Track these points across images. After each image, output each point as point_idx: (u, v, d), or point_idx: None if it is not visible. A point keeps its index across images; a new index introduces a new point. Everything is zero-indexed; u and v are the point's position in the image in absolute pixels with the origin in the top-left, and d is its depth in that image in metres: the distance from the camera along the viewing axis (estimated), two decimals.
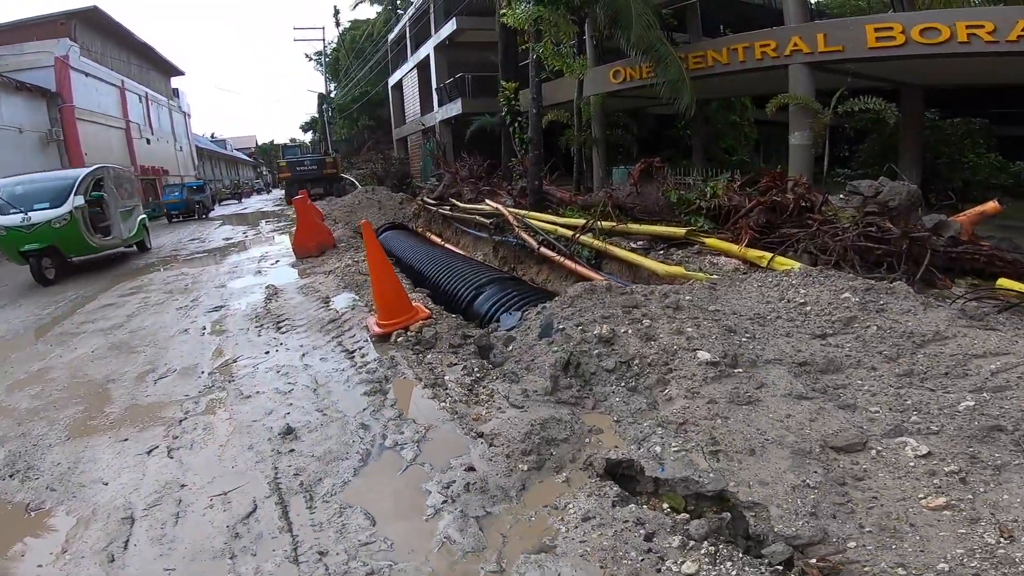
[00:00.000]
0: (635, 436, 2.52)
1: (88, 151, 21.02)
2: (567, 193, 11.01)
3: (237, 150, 63.25)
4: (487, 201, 10.89)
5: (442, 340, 3.80)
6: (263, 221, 17.39)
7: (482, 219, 10.58)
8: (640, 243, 7.36)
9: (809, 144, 10.37)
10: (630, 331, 3.55)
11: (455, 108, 18.89)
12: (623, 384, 3.05)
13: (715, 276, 5.73)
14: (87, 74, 22.09)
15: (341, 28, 40.75)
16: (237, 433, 2.84)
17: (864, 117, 13.72)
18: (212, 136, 59.77)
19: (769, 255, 5.77)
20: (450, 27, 19.06)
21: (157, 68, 32.12)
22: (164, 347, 4.48)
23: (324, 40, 36.54)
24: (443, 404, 2.94)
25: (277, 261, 8.11)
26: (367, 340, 3.97)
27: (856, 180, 7.46)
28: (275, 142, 72.68)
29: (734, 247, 6.28)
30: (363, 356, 3.67)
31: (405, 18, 24.80)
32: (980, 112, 14.25)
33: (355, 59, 37.29)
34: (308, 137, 41.96)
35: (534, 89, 9.02)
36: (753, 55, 10.50)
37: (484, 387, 3.21)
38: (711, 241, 6.64)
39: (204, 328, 4.90)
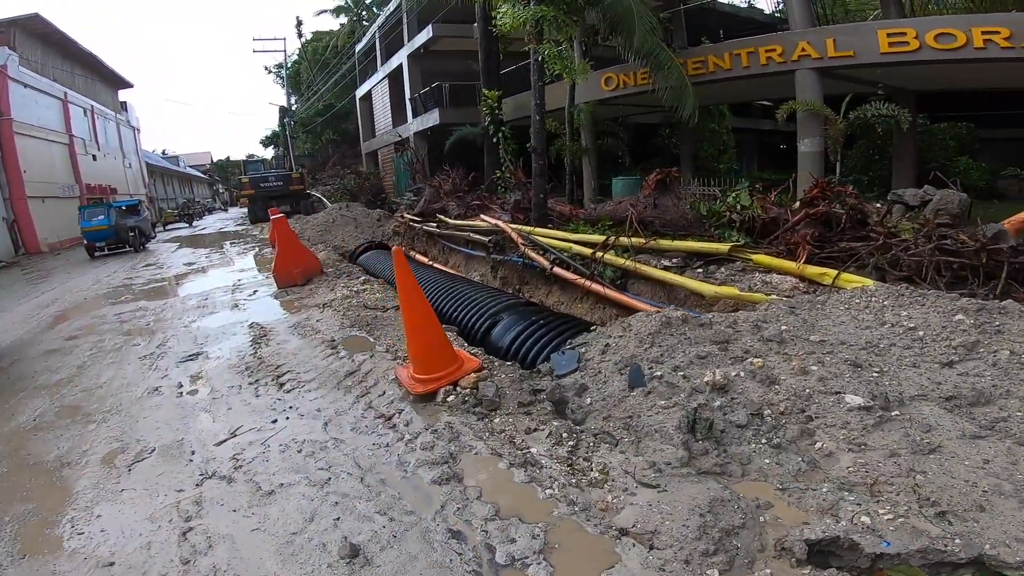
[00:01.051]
0: (818, 506, 2.10)
1: (27, 168, 19.18)
2: (566, 207, 10.30)
3: (191, 167, 60.44)
4: (482, 217, 10.06)
5: (507, 397, 2.99)
6: (227, 243, 16.04)
7: (477, 237, 9.75)
8: (674, 261, 6.67)
9: (819, 151, 10.01)
10: (742, 374, 2.99)
11: (432, 119, 18.04)
12: (763, 441, 2.56)
13: (774, 296, 5.13)
14: (26, 85, 20.26)
15: (303, 40, 39.44)
16: (279, 561, 1.91)
17: (855, 123, 13.64)
18: (164, 153, 57.09)
19: (833, 272, 5.21)
20: (425, 35, 18.26)
21: (104, 80, 30.11)
22: (132, 413, 3.46)
23: (285, 51, 35.17)
24: (549, 490, 2.19)
25: (255, 291, 7.04)
26: (404, 399, 3.08)
27: (900, 189, 6.99)
28: (231, 158, 70.17)
29: (789, 264, 5.67)
30: (407, 424, 2.79)
31: (375, 27, 23.86)
32: (961, 116, 14.36)
33: (318, 71, 36.04)
34: (269, 152, 40.25)
35: (537, 94, 8.30)
36: (758, 60, 10.13)
37: (589, 460, 2.47)
38: (760, 258, 6.00)
39: (180, 385, 3.88)
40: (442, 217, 11.42)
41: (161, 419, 3.31)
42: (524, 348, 5.21)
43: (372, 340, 4.12)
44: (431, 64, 20.02)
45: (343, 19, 36.21)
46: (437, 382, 3.16)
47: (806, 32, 9.78)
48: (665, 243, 6.77)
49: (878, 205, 6.94)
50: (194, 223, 28.86)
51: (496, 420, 2.83)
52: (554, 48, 8.46)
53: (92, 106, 26.66)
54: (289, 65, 39.15)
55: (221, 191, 67.90)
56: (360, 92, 27.42)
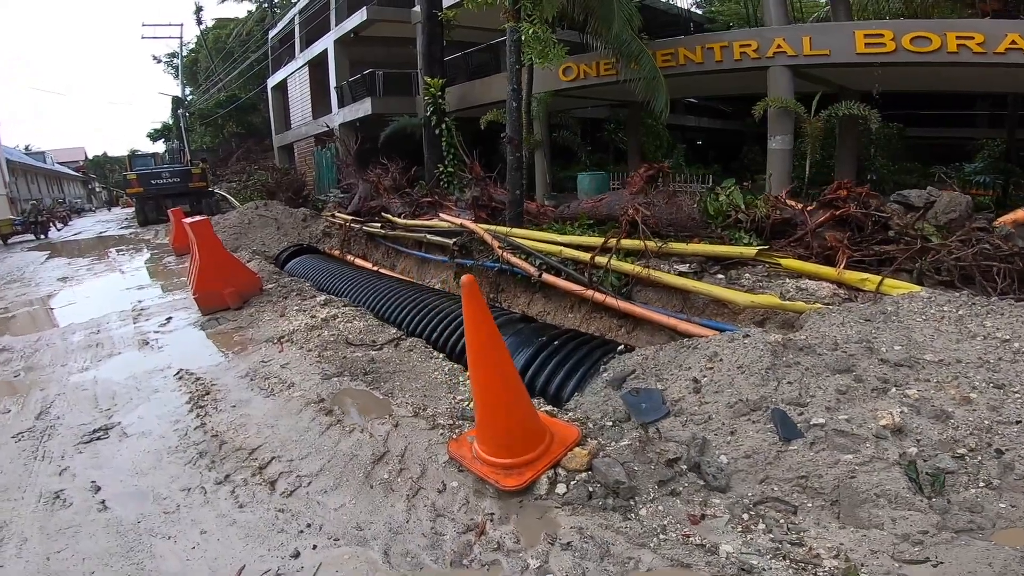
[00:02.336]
0: None
1: None
2: (533, 204, 9.23)
3: (61, 164, 52.91)
4: (442, 216, 8.75)
5: (637, 475, 2.05)
6: (112, 250, 13.42)
7: (436, 239, 8.44)
8: (690, 266, 5.81)
9: (789, 148, 9.69)
10: (905, 410, 2.49)
11: (363, 108, 16.30)
12: (981, 484, 2.06)
13: (818, 305, 4.47)
14: None
15: (203, 27, 35.47)
16: None
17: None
18: (28, 148, 49.58)
19: (875, 277, 4.61)
20: (358, 18, 16.47)
21: None
22: (26, 557, 1.90)
23: (181, 38, 31.29)
24: None
25: (169, 319, 5.28)
26: (481, 494, 1.90)
27: (905, 190, 6.59)
28: (108, 154, 62.59)
29: (827, 269, 5.02)
30: (517, 539, 1.67)
31: (294, 11, 21.48)
32: (891, 116, 15.01)
33: (221, 61, 32.49)
34: (159, 147, 35.70)
35: (513, 77, 7.17)
36: (731, 55, 9.71)
37: (801, 543, 1.76)
38: (790, 262, 5.28)
39: (98, 488, 2.31)
40: (389, 217, 9.94)
41: (84, 561, 1.81)
42: (543, 379, 4.10)
43: (382, 397, 2.80)
44: (361, 51, 18.21)
45: (251, 6, 33.00)
46: (532, 468, 2.01)
47: (783, 29, 9.57)
48: (679, 246, 5.88)
49: (894, 206, 6.57)
50: (52, 232, 20.87)
51: (643, 512, 1.93)
52: (531, 28, 7.37)
53: None
54: (185, 54, 35.07)
55: (98, 190, 60.30)
56: (273, 81, 24.77)
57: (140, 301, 6.40)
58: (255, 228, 12.60)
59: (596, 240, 6.61)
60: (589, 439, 2.28)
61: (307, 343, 3.71)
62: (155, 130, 37.12)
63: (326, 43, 18.69)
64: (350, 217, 10.45)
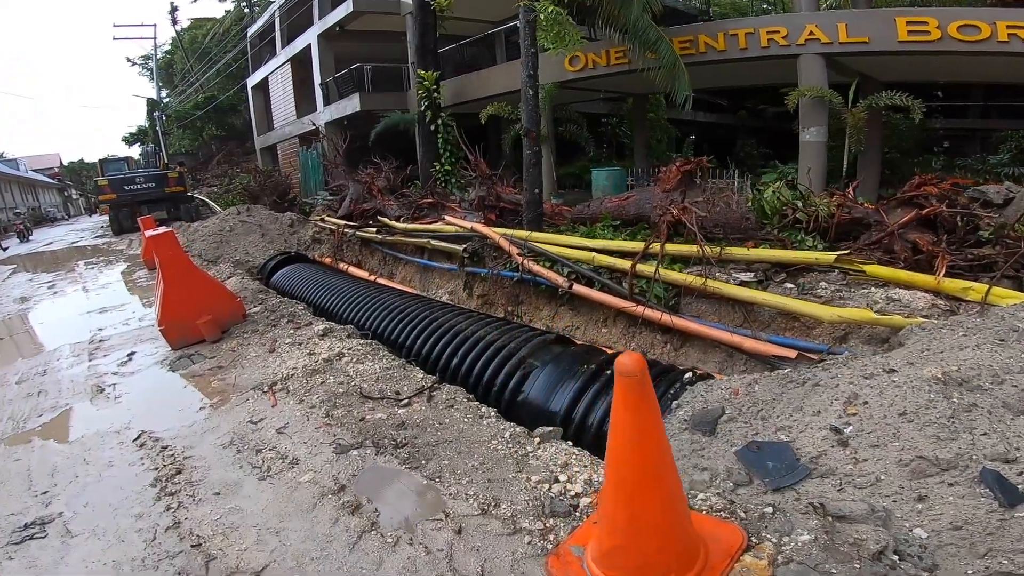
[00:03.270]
0: None
1: None
2: (546, 204, 8.39)
3: (35, 171, 50.86)
4: (449, 219, 7.88)
5: None
6: (81, 262, 12.34)
7: (442, 244, 7.58)
8: (751, 274, 5.02)
9: (824, 141, 9.00)
10: None
11: (351, 105, 15.34)
12: None
13: (920, 320, 3.81)
14: None
15: (179, 27, 34.12)
16: None
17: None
18: (2, 155, 47.62)
19: (980, 287, 3.96)
20: (344, 9, 15.50)
21: None
22: None
23: (155, 38, 29.94)
24: None
25: (131, 354, 4.33)
26: None
27: (982, 186, 5.87)
28: (85, 160, 60.58)
29: (923, 277, 4.32)
30: None
31: (274, 6, 20.39)
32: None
33: (197, 61, 31.21)
34: (135, 151, 34.27)
35: (529, 63, 6.33)
36: (757, 42, 9.02)
37: None
38: (876, 269, 4.54)
39: None
40: (386, 220, 9.04)
41: None
42: (595, 419, 3.28)
43: (427, 482, 1.94)
44: (346, 46, 17.23)
45: (229, 5, 31.72)
46: None
47: (815, 15, 9.00)
48: (738, 252, 5.09)
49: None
50: (11, 243, 19.36)
51: None
52: (549, 6, 6.52)
53: None
54: (160, 55, 33.69)
55: (75, 197, 58.25)
56: (253, 80, 23.64)
57: (100, 329, 5.43)
58: (237, 235, 11.59)
59: (635, 245, 5.80)
60: (767, 541, 1.47)
61: (308, 393, 2.83)
62: (130, 134, 35.69)
63: (309, 38, 17.69)
64: (343, 222, 9.54)
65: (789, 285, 4.93)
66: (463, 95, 13.88)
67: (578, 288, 5.61)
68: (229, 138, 32.99)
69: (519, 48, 10.95)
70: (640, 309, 4.91)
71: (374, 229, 9.25)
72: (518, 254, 6.20)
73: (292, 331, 4.04)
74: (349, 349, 3.43)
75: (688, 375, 3.59)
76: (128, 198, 17.64)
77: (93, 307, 6.70)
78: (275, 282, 8.62)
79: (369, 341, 3.74)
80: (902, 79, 11.89)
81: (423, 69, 12.71)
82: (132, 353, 4.42)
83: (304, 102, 19.28)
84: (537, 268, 5.96)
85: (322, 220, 11.50)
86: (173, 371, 3.83)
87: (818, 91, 8.50)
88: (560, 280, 5.70)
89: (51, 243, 19.67)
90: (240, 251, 10.87)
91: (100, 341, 5.05)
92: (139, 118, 45.06)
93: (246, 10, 30.29)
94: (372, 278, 8.93)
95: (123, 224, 17.63)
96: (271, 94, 22.14)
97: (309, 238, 11.81)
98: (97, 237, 19.23)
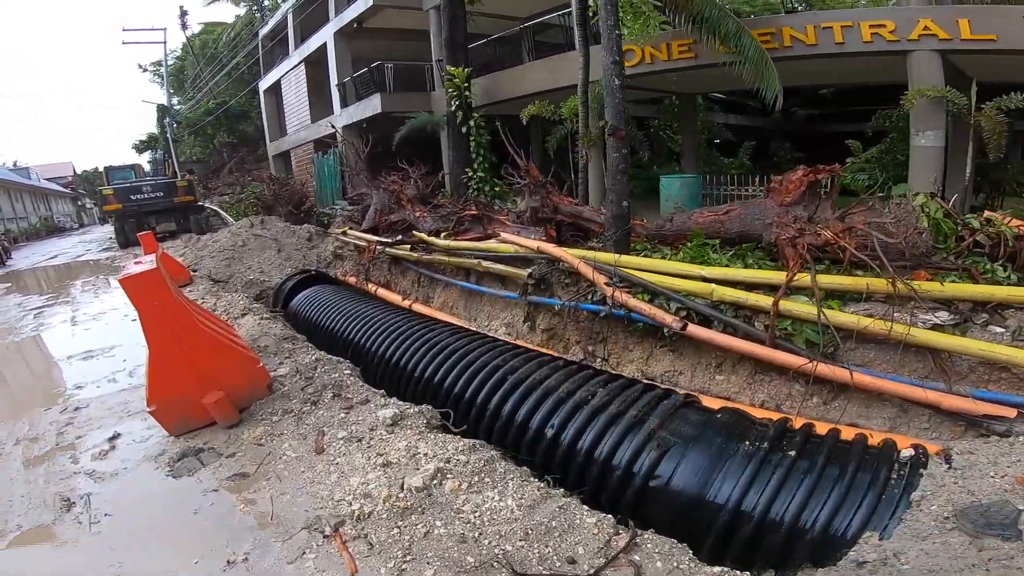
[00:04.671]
0: None
1: None
2: (604, 214, 7.03)
3: (48, 180, 50.37)
4: (505, 236, 6.59)
5: None
6: (78, 280, 11.20)
7: (498, 267, 6.26)
8: (942, 315, 3.70)
9: (941, 146, 7.68)
10: None
11: (371, 107, 14.13)
12: None
13: None
14: None
15: (190, 31, 33.27)
16: None
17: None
18: (15, 164, 47.11)
19: None
20: (363, 4, 14.33)
21: None
22: None
23: (165, 43, 29.03)
24: None
25: (114, 439, 3.10)
26: None
27: None
28: (99, 169, 60.23)
29: None
30: None
31: (287, 4, 19.29)
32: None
33: (207, 66, 30.27)
34: (145, 158, 33.39)
35: (613, 47, 4.99)
36: (858, 36, 7.88)
37: None
38: None
39: None
40: (424, 236, 7.74)
41: None
42: (789, 511, 2.25)
43: None
44: (363, 45, 16.08)
45: (241, 9, 30.73)
46: None
47: (929, 9, 7.87)
48: (931, 287, 3.73)
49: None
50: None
51: None
52: None
53: None
54: (171, 61, 32.83)
55: (89, 206, 57.89)
56: (265, 84, 22.58)
57: (79, 388, 4.20)
58: (251, 251, 10.39)
59: (770, 275, 4.45)
60: None
61: (411, 559, 1.53)
62: (140, 141, 34.82)
63: (325, 36, 16.54)
64: (374, 237, 8.24)
65: (998, 328, 3.63)
66: (494, 94, 12.60)
67: (695, 330, 4.28)
68: (241, 145, 32.04)
69: (548, 46, 9.72)
70: (812, 364, 3.56)
71: (407, 247, 7.96)
72: (606, 283, 4.87)
73: (343, 414, 2.75)
74: (449, 461, 2.14)
75: (908, 452, 2.47)
76: (135, 208, 16.56)
77: (77, 349, 5.45)
78: (295, 308, 7.37)
79: (473, 443, 2.41)
80: (995, 79, 10.52)
81: (452, 65, 11.46)
82: (116, 436, 3.16)
83: (319, 105, 18.14)
84: (634, 302, 4.64)
85: (344, 234, 10.26)
86: (175, 477, 2.56)
87: (940, 91, 7.29)
88: (668, 319, 4.37)
89: (56, 256, 18.64)
90: (254, 269, 9.65)
91: (76, 410, 3.80)
92: (149, 125, 44.39)
93: (256, 14, 29.35)
94: (407, 303, 7.64)
95: (129, 237, 16.53)
96: (284, 97, 21.04)
97: (330, 254, 10.57)
98: (103, 250, 18.19)
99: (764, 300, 4.13)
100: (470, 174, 11.59)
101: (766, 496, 2.23)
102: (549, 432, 3.04)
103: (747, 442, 2.52)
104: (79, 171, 62.44)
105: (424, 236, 7.60)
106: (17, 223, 35.07)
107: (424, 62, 14.76)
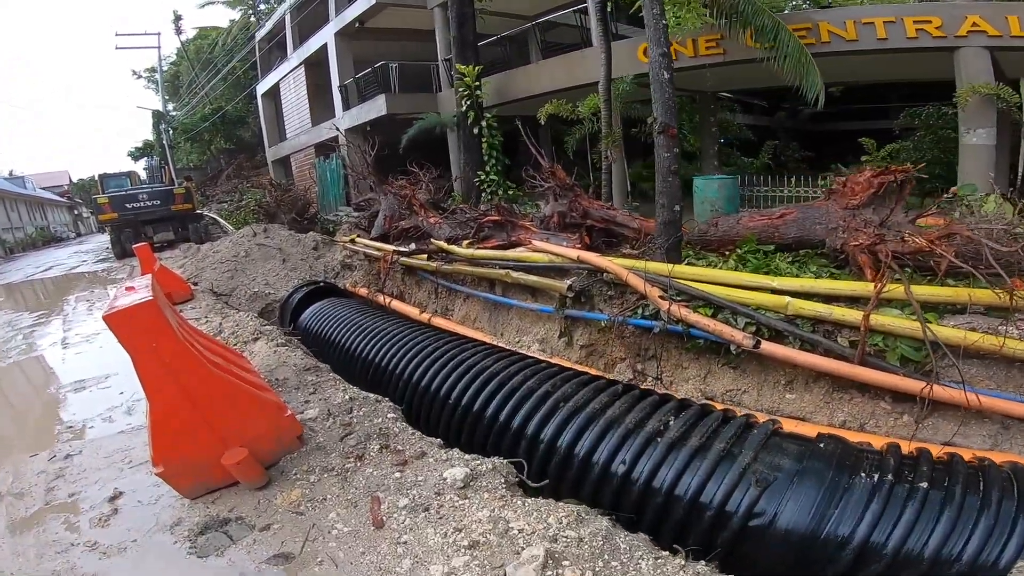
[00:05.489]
0: None
1: None
2: (634, 219, 6.52)
3: (44, 189, 49.69)
4: (536, 244, 6.08)
5: None
6: (72, 296, 10.65)
7: (529, 278, 5.73)
8: None
9: (993, 144, 7.23)
10: None
11: (375, 108, 13.61)
12: None
13: None
14: None
15: (184, 36, 32.76)
16: None
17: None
18: (10, 174, 46.44)
19: None
20: (365, 3, 13.84)
21: None
22: None
23: (159, 48, 28.45)
24: None
25: (115, 499, 2.57)
26: None
27: None
28: (95, 177, 59.62)
29: None
30: None
31: (287, 4, 18.78)
32: None
33: (203, 71, 29.75)
34: (141, 165, 32.84)
35: (661, 40, 4.50)
36: (901, 32, 7.51)
37: None
38: None
39: None
40: (442, 244, 7.22)
41: None
42: (929, 544, 2.01)
43: None
44: (365, 47, 15.57)
45: (236, 14, 30.22)
46: None
47: (976, 4, 7.45)
48: None
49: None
50: None
51: None
52: None
53: None
54: (166, 67, 32.27)
55: (85, 216, 57.26)
56: (262, 87, 22.05)
57: (70, 430, 3.66)
58: (254, 261, 9.85)
59: (855, 286, 3.95)
60: None
61: None
62: (136, 148, 34.23)
63: (325, 37, 16.04)
64: (391, 248, 7.71)
65: None
66: (505, 94, 12.10)
67: (770, 348, 3.78)
68: (238, 151, 31.49)
69: (557, 46, 9.20)
70: (926, 387, 3.08)
71: (423, 256, 7.43)
72: (660, 296, 4.35)
73: (397, 472, 2.21)
74: (556, 540, 1.62)
75: None
76: (131, 217, 16.02)
77: (68, 379, 4.91)
78: (306, 323, 6.84)
79: (577, 512, 1.86)
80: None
81: (462, 63, 10.96)
82: (118, 495, 2.63)
83: (320, 108, 17.62)
84: (695, 317, 4.13)
85: (352, 242, 9.72)
86: (200, 556, 2.03)
87: (993, 89, 6.84)
88: (738, 336, 3.87)
89: (51, 268, 18.05)
90: (259, 281, 9.12)
91: (67, 458, 3.27)
92: (147, 132, 43.79)
93: (252, 19, 28.86)
94: (425, 317, 7.11)
95: (126, 247, 15.99)
96: (283, 101, 20.52)
97: (338, 263, 10.04)
98: (99, 261, 17.61)
99: (851, 314, 3.65)
100: (482, 177, 11.09)
101: (900, 531, 2.02)
102: (615, 468, 2.64)
103: (863, 473, 2.23)
104: (75, 179, 61.82)
105: (443, 244, 7.08)
106: (13, 233, 34.44)
107: (429, 62, 14.27)
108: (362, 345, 5.29)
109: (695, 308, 4.23)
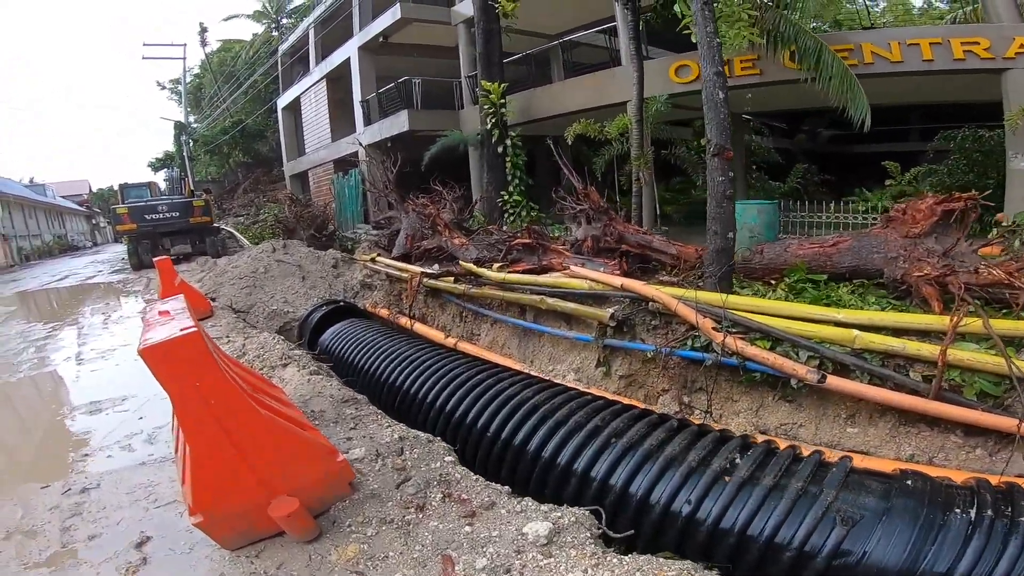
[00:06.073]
0: None
1: None
2: (671, 244, 6.26)
3: (63, 198, 50.31)
4: (576, 270, 5.85)
5: None
6: (87, 307, 10.52)
7: (566, 305, 5.46)
8: None
9: None
10: None
11: (397, 124, 13.54)
12: None
13: None
14: None
15: (208, 48, 33.30)
16: None
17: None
18: (32, 181, 47.10)
19: None
20: (390, 17, 13.87)
21: None
22: None
23: (184, 59, 28.91)
24: None
25: (143, 544, 2.31)
26: None
27: None
28: (114, 188, 60.44)
29: None
30: None
31: (308, 20, 18.96)
32: None
33: (225, 84, 30.15)
34: (161, 176, 33.19)
35: (714, 58, 4.30)
36: (947, 54, 7.34)
37: None
38: None
39: None
40: (471, 266, 6.99)
41: None
42: None
43: None
44: (387, 62, 15.61)
45: (260, 27, 30.71)
46: None
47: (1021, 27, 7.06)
48: None
49: None
50: None
51: None
52: None
53: None
54: (189, 79, 32.76)
55: (103, 225, 57.90)
56: (283, 101, 22.20)
57: (86, 456, 3.44)
58: (273, 278, 9.66)
59: (927, 319, 3.68)
60: None
61: None
62: (156, 159, 34.67)
63: (348, 51, 16.10)
64: (419, 269, 7.49)
65: None
66: (529, 113, 11.97)
67: (837, 383, 3.51)
68: (255, 165, 31.75)
69: (580, 65, 9.04)
70: (1021, 424, 2.80)
71: (450, 279, 7.20)
72: (713, 328, 4.08)
73: (466, 526, 1.94)
74: None
75: None
76: (149, 228, 15.96)
77: (82, 399, 4.69)
78: (328, 345, 6.61)
79: (681, 571, 1.61)
80: None
81: (487, 80, 10.86)
82: (146, 540, 2.37)
83: (340, 123, 17.65)
84: (753, 350, 3.86)
85: (373, 261, 9.51)
86: None
87: None
88: (801, 370, 3.61)
89: (66, 277, 18.05)
90: (277, 299, 8.92)
91: (83, 492, 3.02)
92: (166, 143, 44.41)
93: (274, 33, 29.28)
94: (451, 342, 6.85)
95: (143, 259, 15.92)
96: (303, 115, 20.61)
97: (357, 282, 9.83)
98: (114, 272, 17.58)
99: (927, 348, 3.40)
100: (505, 197, 10.91)
101: (1004, 565, 1.91)
102: (677, 507, 2.51)
103: (957, 509, 2.13)
104: (94, 189, 62.66)
105: (473, 267, 6.85)
106: (30, 240, 34.77)
107: (451, 79, 14.24)
108: (390, 371, 5.04)
109: (752, 340, 3.97)
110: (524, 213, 10.62)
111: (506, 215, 10.76)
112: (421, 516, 2.06)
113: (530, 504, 2.11)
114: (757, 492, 2.42)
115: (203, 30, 31.50)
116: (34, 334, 8.16)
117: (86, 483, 3.12)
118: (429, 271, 7.22)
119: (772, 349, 3.92)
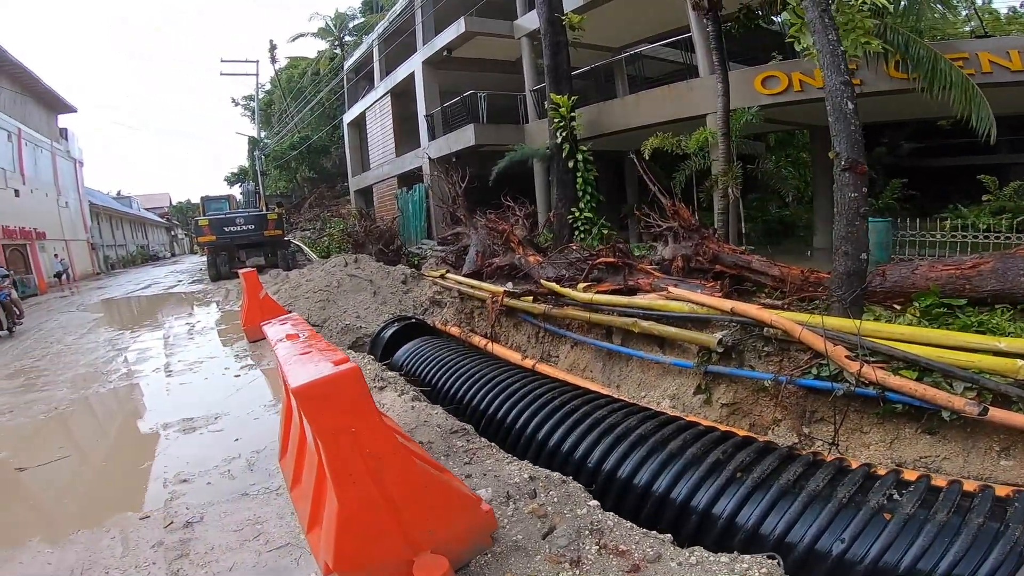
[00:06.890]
0: None
1: None
2: (774, 267, 5.77)
3: (147, 210, 53.86)
4: (675, 291, 5.50)
5: None
6: (172, 317, 10.95)
7: (666, 330, 5.11)
8: None
9: None
10: None
11: (463, 139, 13.56)
12: None
13: None
14: None
15: (277, 65, 34.97)
16: None
17: None
18: (119, 194, 50.66)
19: None
20: (455, 31, 13.97)
21: (39, 101, 24.54)
22: None
23: (257, 75, 30.44)
24: None
25: None
26: None
27: None
28: (192, 201, 64.22)
29: None
30: None
31: (373, 35, 19.50)
32: None
33: (293, 100, 31.47)
34: (236, 191, 34.89)
35: (840, 67, 3.91)
36: None
37: None
38: None
39: None
40: (553, 286, 6.74)
41: None
42: None
43: None
44: (450, 77, 15.73)
45: (324, 45, 32.02)
46: None
47: None
48: None
49: None
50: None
51: None
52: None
53: (19, 129, 21.23)
54: (261, 95, 34.45)
55: (181, 237, 61.54)
56: (349, 117, 22.85)
57: (184, 484, 3.35)
58: (345, 292, 9.75)
59: None
60: None
61: None
62: (232, 173, 36.48)
63: (412, 65, 16.33)
64: (501, 288, 7.31)
65: None
66: (599, 127, 11.68)
67: (1001, 415, 3.06)
68: (320, 180, 32.86)
69: (647, 79, 8.59)
70: None
71: (529, 298, 6.97)
72: (847, 356, 3.65)
73: None
74: None
75: None
76: (227, 240, 16.63)
77: (174, 415, 4.71)
78: (404, 363, 6.49)
79: None
80: None
81: (556, 93, 10.66)
82: None
83: (404, 138, 17.92)
84: (897, 380, 3.46)
85: (442, 277, 9.43)
86: None
87: None
88: (958, 402, 3.18)
89: (150, 286, 19.10)
90: (350, 313, 8.96)
91: (187, 526, 2.91)
92: (240, 158, 46.74)
93: (336, 51, 30.37)
94: (529, 363, 6.61)
95: (220, 270, 16.59)
96: (368, 130, 21.10)
97: (427, 299, 9.78)
98: (194, 282, 18.44)
99: None
100: (576, 214, 10.63)
101: None
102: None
103: None
104: (174, 202, 66.85)
105: (556, 286, 6.59)
106: (116, 250, 37.32)
107: (515, 92, 14.16)
108: (474, 394, 4.83)
109: (895, 370, 3.53)
110: (595, 231, 10.31)
111: (576, 232, 10.47)
112: (577, 573, 1.80)
113: (705, 555, 1.81)
114: (930, 529, 2.19)
115: (272, 47, 33.04)
116: (122, 342, 8.51)
117: (188, 516, 3.01)
118: (514, 290, 7.00)
119: (919, 380, 3.48)
